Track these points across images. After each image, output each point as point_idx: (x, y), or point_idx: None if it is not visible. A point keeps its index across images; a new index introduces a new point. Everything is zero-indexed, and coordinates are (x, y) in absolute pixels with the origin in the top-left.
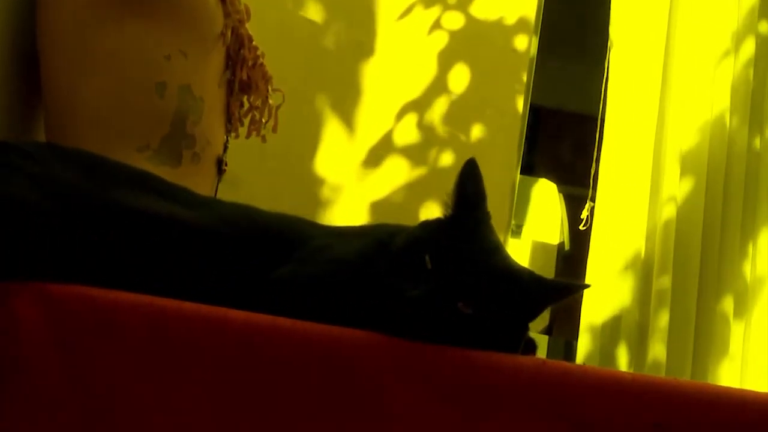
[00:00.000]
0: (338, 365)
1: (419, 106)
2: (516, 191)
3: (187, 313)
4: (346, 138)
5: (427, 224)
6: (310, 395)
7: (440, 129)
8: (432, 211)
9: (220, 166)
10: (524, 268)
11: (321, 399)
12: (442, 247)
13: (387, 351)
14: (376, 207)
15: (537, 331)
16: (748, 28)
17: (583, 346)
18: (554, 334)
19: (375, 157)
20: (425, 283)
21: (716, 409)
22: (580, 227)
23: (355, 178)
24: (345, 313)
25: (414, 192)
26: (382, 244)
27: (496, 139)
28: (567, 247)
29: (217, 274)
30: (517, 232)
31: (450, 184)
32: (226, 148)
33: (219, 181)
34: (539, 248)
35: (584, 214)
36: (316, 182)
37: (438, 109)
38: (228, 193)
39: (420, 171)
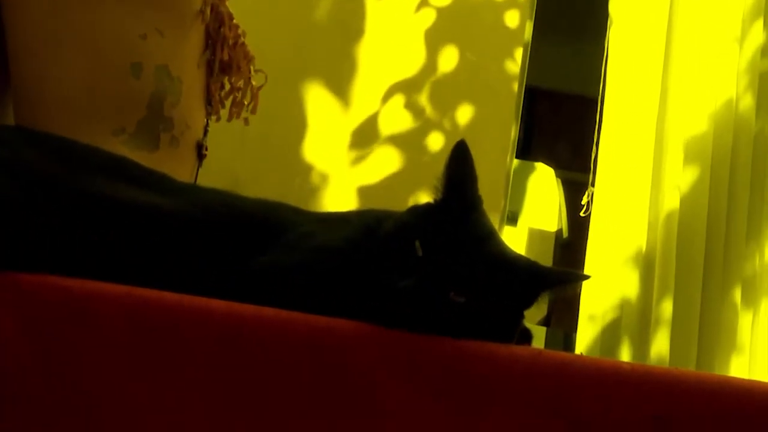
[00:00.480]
0: (328, 358)
1: (408, 87)
2: (511, 176)
3: (167, 303)
4: (332, 121)
5: (417, 209)
6: (300, 390)
7: (430, 111)
8: (422, 196)
9: (200, 150)
10: (519, 255)
11: (312, 394)
12: (433, 233)
13: (377, 343)
14: (365, 193)
15: (534, 322)
16: (758, 8)
17: (583, 338)
18: (552, 325)
19: (363, 140)
20: (415, 271)
21: (719, 400)
22: (580, 214)
23: (341, 162)
24: (331, 304)
25: (404, 177)
26: (370, 231)
27: (489, 121)
28: (565, 234)
29: (197, 264)
30: (512, 219)
31: (441, 168)
32: (206, 131)
33: (199, 166)
34: (536, 236)
35: (584, 200)
36: (301, 167)
37: (428, 91)
38: (209, 178)
39: (410, 155)
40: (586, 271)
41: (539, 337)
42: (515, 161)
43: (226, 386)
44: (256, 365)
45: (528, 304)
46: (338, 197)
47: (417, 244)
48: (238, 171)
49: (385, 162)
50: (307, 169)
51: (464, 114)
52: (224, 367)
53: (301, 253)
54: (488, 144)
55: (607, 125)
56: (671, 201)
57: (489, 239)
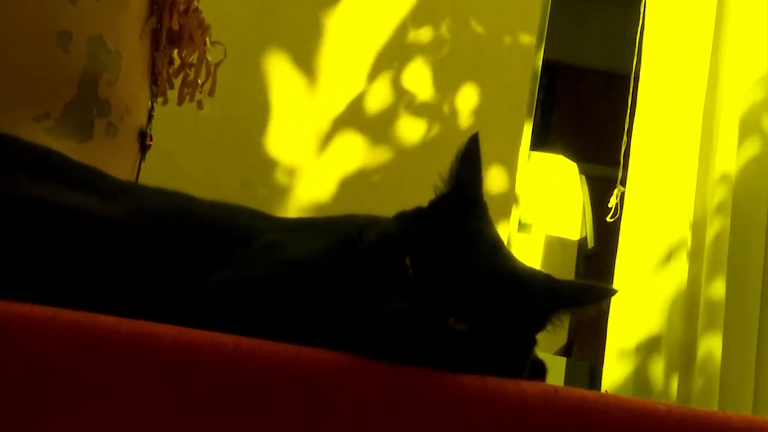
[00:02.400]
0: (297, 396)
1: (396, 63)
2: (524, 172)
3: (102, 328)
4: (304, 105)
5: (407, 216)
6: None
7: (424, 93)
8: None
9: (143, 140)
10: (531, 269)
11: None
12: (427, 245)
13: (358, 378)
14: (342, 192)
15: (552, 352)
16: None
17: (611, 371)
18: (574, 356)
19: (341, 128)
20: (406, 293)
21: None
22: (608, 218)
23: (314, 155)
24: (302, 330)
25: (391, 173)
26: (350, 242)
27: (498, 104)
28: (590, 244)
29: (139, 281)
30: (525, 225)
31: (436, 161)
32: (151, 117)
33: (142, 159)
34: (554, 246)
35: (613, 201)
36: (266, 161)
37: (420, 68)
38: (154, 175)
39: (399, 147)
40: (615, 283)
41: (558, 370)
42: (529, 153)
43: (172, 427)
44: (211, 403)
45: (541, 326)
46: (310, 198)
47: (407, 259)
48: (190, 166)
49: (369, 155)
50: (272, 163)
51: (466, 96)
52: (170, 405)
53: (265, 268)
54: (496, 133)
55: (643, 107)
56: (721, 195)
57: (495, 252)
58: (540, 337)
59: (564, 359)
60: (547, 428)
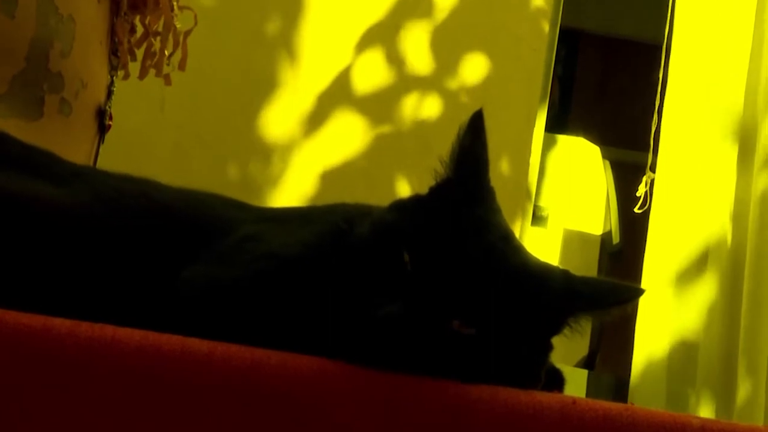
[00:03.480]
0: (279, 408)
1: (392, 32)
2: (539, 157)
3: (58, 332)
4: (287, 79)
5: (404, 205)
6: None
7: (424, 66)
8: (409, 184)
9: (101, 119)
10: (547, 265)
11: None
12: (427, 238)
13: (349, 388)
14: (330, 179)
15: (572, 364)
16: None
17: (640, 385)
18: (597, 368)
19: (328, 106)
20: (404, 292)
21: None
22: (635, 210)
23: (298, 136)
24: (285, 335)
25: (384, 158)
26: (339, 234)
27: (508, 78)
28: (615, 239)
29: (99, 278)
30: (540, 217)
31: (436, 143)
32: (110, 93)
33: (100, 141)
34: (574, 242)
35: (641, 189)
36: (244, 143)
37: (420, 37)
38: (115, 160)
39: (391, 126)
40: (644, 284)
41: (578, 384)
42: (545, 136)
43: None
44: (180, 416)
45: (557, 329)
46: (294, 185)
47: (405, 254)
48: (156, 149)
49: (360, 137)
50: (251, 146)
51: (473, 69)
52: (134, 418)
53: (243, 265)
54: (506, 111)
55: (675, 82)
56: (766, 181)
57: (505, 245)
58: (558, 346)
59: (585, 372)
60: None
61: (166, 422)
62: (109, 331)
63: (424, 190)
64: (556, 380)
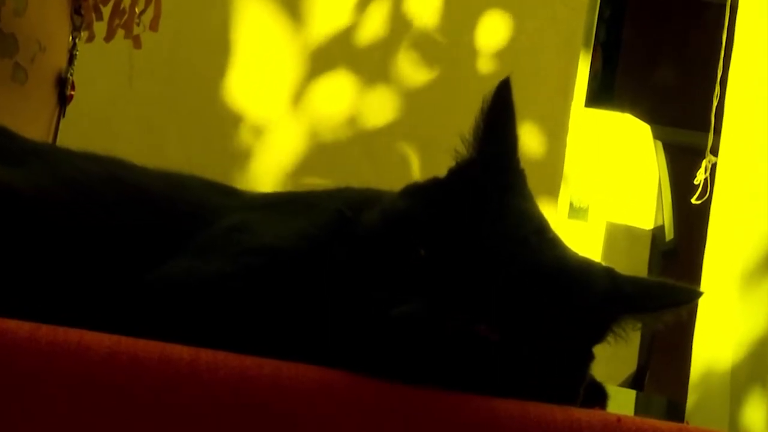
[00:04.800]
0: (271, 427)
1: None
2: (577, 136)
3: (15, 337)
4: (275, 40)
5: (419, 190)
6: None
7: (436, 26)
8: (423, 166)
9: (62, 88)
10: (587, 261)
11: None
12: (447, 229)
13: (356, 400)
14: (327, 158)
15: (618, 383)
16: None
17: (698, 408)
18: (647, 388)
19: (323, 72)
20: (419, 291)
21: None
22: (693, 200)
23: (289, 108)
24: (280, 340)
25: (390, 135)
26: (343, 224)
27: (540, 42)
28: (669, 235)
29: (61, 274)
30: (578, 209)
31: (456, 117)
32: (72, 58)
33: (61, 114)
34: (619, 237)
35: (700, 176)
36: (225, 117)
37: None
38: (78, 136)
39: (399, 99)
40: (703, 289)
41: (625, 406)
42: (584, 111)
43: None
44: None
45: (600, 336)
46: (285, 165)
47: (421, 246)
48: (125, 123)
49: (362, 108)
50: (234, 119)
51: (497, 31)
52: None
53: (230, 258)
54: (538, 82)
55: (742, 47)
56: None
57: (539, 237)
58: (600, 362)
59: (633, 392)
60: None
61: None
62: (74, 336)
63: (442, 172)
64: (597, 395)
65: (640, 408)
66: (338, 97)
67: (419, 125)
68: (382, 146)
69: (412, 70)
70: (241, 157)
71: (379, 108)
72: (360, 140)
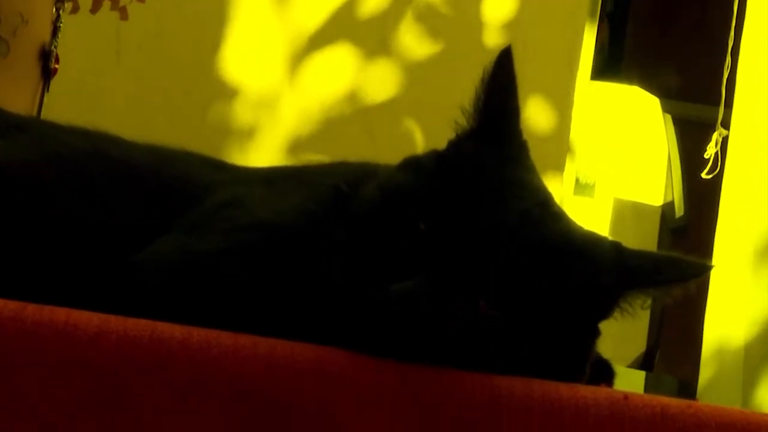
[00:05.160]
0: (270, 409)
1: None
2: (583, 109)
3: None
4: (272, 11)
5: (418, 163)
6: None
7: None
8: (423, 138)
9: (46, 62)
10: (593, 235)
11: None
12: (447, 203)
13: (353, 380)
14: (326, 132)
15: (626, 363)
16: None
17: (710, 388)
18: (656, 368)
19: (322, 44)
20: (419, 266)
21: None
22: (703, 175)
23: (286, 81)
24: (274, 318)
25: (388, 106)
26: (340, 199)
27: (543, 12)
28: (679, 211)
29: (47, 251)
30: (584, 185)
31: (455, 88)
32: (56, 30)
33: (45, 88)
34: (627, 214)
35: (711, 150)
36: (220, 92)
37: None
38: (64, 110)
39: (398, 69)
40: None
41: (634, 387)
42: (590, 84)
43: None
44: (147, 416)
45: (606, 311)
46: (282, 139)
47: (421, 221)
48: (111, 97)
49: (362, 80)
50: (229, 92)
51: (501, 2)
52: (92, 417)
53: (222, 235)
54: (542, 53)
55: (755, 16)
56: None
57: (542, 210)
58: (607, 342)
59: (642, 373)
60: None
61: (132, 427)
62: (61, 315)
63: (441, 144)
64: (603, 373)
65: (650, 389)
66: (338, 71)
67: (422, 100)
68: (383, 122)
69: (415, 43)
70: (236, 134)
71: (381, 82)
72: (361, 116)
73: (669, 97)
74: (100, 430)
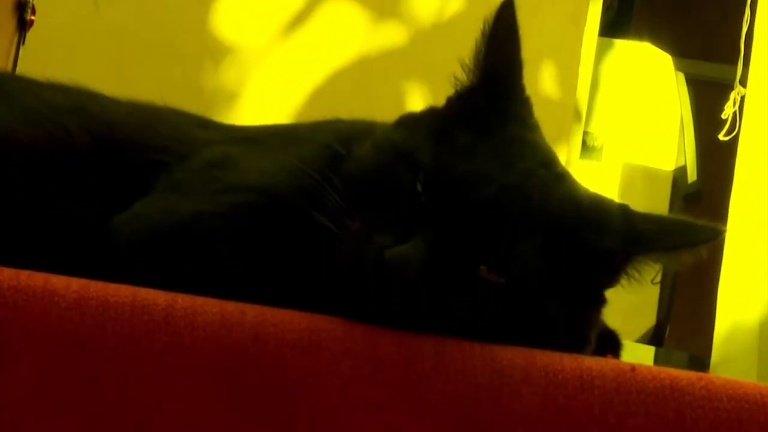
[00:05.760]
0: (256, 378)
1: None
2: (591, 67)
3: None
4: None
5: (415, 121)
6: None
7: None
8: (421, 97)
9: (21, 13)
10: (598, 197)
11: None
12: (446, 162)
13: (345, 350)
14: (324, 90)
15: (635, 338)
16: None
17: (723, 364)
18: (666, 343)
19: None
20: (418, 229)
21: None
22: (720, 136)
23: (282, 35)
24: (263, 284)
25: (386, 62)
26: (333, 158)
27: None
28: (692, 176)
29: (27, 214)
30: (592, 147)
31: (452, 44)
32: None
33: (21, 41)
34: (637, 179)
35: (728, 110)
36: (208, 48)
37: None
38: (41, 65)
39: (396, 24)
40: (729, 236)
41: (643, 361)
42: (599, 40)
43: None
44: (130, 388)
45: (612, 278)
46: (277, 98)
47: (418, 180)
48: (90, 51)
49: (362, 36)
50: (220, 49)
51: None
52: (71, 390)
53: (209, 196)
54: (547, 8)
55: None
56: None
57: (545, 171)
58: (615, 315)
59: (652, 348)
60: (621, 419)
61: (113, 397)
62: (38, 280)
63: (439, 101)
64: (610, 343)
65: (660, 365)
66: (335, 27)
67: (426, 59)
68: (382, 80)
69: (418, 1)
70: (225, 93)
71: (381, 39)
72: (359, 74)
73: (682, 55)
74: (78, 400)
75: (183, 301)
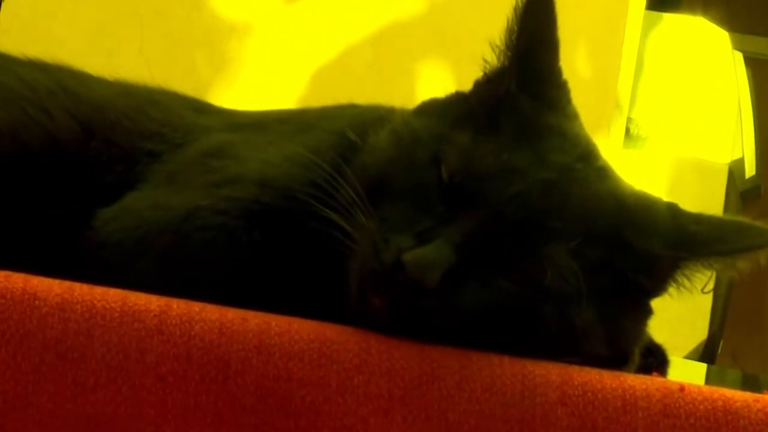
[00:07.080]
0: (257, 390)
1: None
2: (636, 45)
3: None
4: None
5: (439, 107)
6: None
7: None
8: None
9: None
10: (645, 195)
11: None
12: (473, 153)
13: (356, 363)
14: (332, 70)
15: (683, 354)
16: None
17: None
18: (719, 360)
19: None
20: (439, 226)
21: None
22: None
23: (283, 5)
24: (265, 289)
25: (402, 42)
26: (346, 148)
27: None
28: (751, 170)
29: (6, 209)
30: (636, 136)
31: (478, 23)
32: None
33: None
34: (687, 172)
35: None
36: (202, 19)
37: None
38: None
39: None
40: None
41: (693, 379)
42: (645, 14)
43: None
44: (119, 400)
45: (660, 285)
46: (279, 77)
47: (443, 170)
48: (73, 25)
49: (367, 11)
50: (215, 20)
51: None
52: (54, 400)
53: (206, 189)
54: None
55: None
56: None
57: (584, 165)
58: (662, 326)
59: (703, 365)
60: None
61: (101, 412)
62: (18, 282)
63: (465, 85)
64: (655, 359)
65: (711, 383)
66: (337, 3)
67: (447, 34)
68: (395, 57)
69: None
70: (224, 73)
71: (393, 10)
72: (371, 52)
73: (740, 30)
74: (62, 415)
75: (178, 307)
